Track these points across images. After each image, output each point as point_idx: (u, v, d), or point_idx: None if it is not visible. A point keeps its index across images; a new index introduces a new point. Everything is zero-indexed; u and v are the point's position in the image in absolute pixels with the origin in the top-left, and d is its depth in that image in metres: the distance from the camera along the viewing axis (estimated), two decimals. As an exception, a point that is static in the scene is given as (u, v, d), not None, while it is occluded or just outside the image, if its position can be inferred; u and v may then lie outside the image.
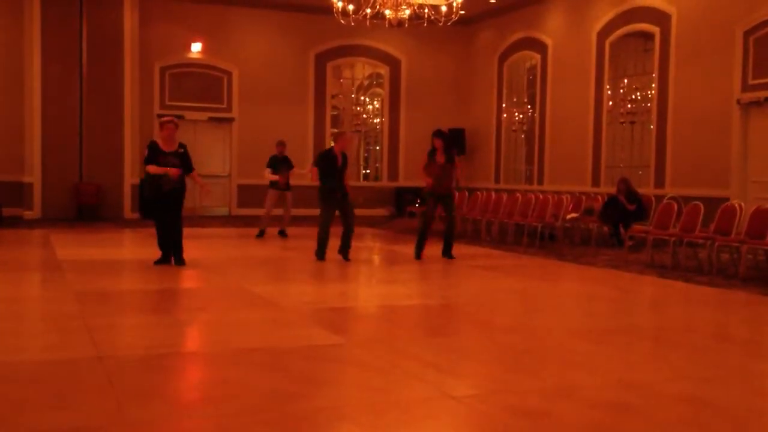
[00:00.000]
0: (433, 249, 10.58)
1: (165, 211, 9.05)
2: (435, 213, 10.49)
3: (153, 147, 9.06)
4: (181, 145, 9.22)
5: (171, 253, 9.21)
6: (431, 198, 10.39)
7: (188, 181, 9.18)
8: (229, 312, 6.80)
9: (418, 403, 4.15)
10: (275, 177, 13.06)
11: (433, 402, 4.19)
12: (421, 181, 10.71)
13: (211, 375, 4.77)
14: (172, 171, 8.84)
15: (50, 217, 15.81)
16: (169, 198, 9.01)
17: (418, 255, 10.40)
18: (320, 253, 10.01)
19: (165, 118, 9.27)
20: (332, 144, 10.54)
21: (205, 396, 4.29)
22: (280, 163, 13.14)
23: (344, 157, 10.17)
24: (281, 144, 13.29)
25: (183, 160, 9.12)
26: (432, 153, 10.43)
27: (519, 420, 3.88)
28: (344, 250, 10.07)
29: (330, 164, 10.03)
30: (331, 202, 10.05)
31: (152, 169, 8.89)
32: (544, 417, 3.91)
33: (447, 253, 10.50)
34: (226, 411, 3.90)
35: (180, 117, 18.12)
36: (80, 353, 5.03)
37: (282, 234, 13.33)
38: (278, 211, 13.39)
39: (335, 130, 17.63)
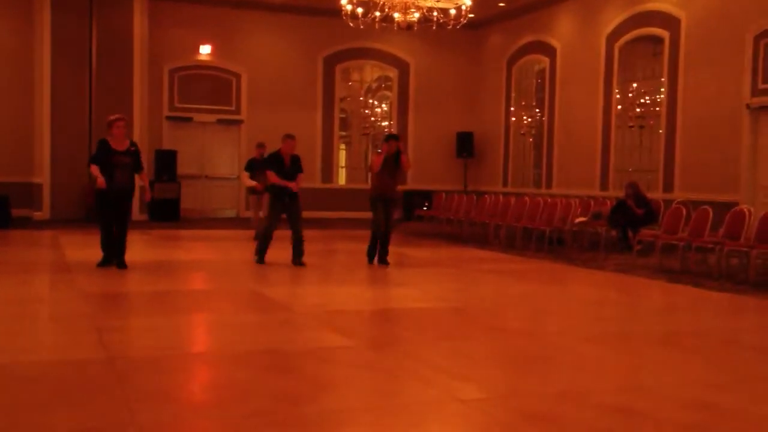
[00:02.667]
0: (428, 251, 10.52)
1: (113, 211, 8.90)
2: (383, 217, 10.05)
3: (103, 145, 8.86)
4: (133, 144, 9.07)
5: (114, 255, 8.98)
6: (379, 202, 10.02)
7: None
8: (238, 314, 6.81)
9: (427, 407, 4.15)
10: (252, 183, 12.61)
11: (442, 405, 4.18)
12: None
13: (220, 377, 4.77)
14: (100, 182, 8.69)
15: (59, 218, 15.87)
16: (118, 198, 8.86)
17: (371, 260, 10.08)
18: (258, 257, 9.74)
19: (114, 116, 8.98)
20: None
21: (215, 398, 4.30)
22: (258, 166, 12.38)
23: (294, 159, 9.87)
24: (261, 146, 12.72)
25: (134, 159, 8.94)
26: (385, 157, 10.02)
27: (528, 424, 3.87)
28: (296, 257, 9.70)
29: (277, 166, 9.77)
30: (276, 206, 9.79)
31: (94, 170, 8.77)
32: (552, 421, 3.90)
33: (382, 259, 10.04)
34: (236, 413, 3.90)
35: (189, 119, 18.30)
36: (90, 354, 5.05)
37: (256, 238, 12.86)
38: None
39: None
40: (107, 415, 3.81)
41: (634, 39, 15.36)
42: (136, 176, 9.12)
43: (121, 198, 8.92)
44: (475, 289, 8.78)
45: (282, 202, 9.76)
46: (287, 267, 9.59)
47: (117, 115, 9.05)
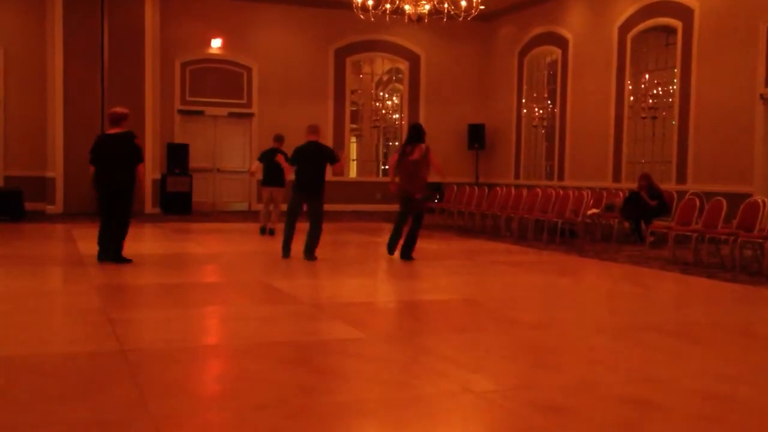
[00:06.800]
0: (446, 243, 10.49)
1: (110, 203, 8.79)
2: (401, 212, 9.68)
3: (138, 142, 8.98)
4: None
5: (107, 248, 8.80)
6: (403, 198, 9.62)
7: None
8: (250, 306, 6.82)
9: (440, 398, 4.14)
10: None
11: (455, 397, 4.18)
12: (438, 177, 10.21)
13: (232, 368, 4.79)
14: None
15: (72, 212, 15.94)
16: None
17: (389, 251, 9.82)
18: (283, 250, 9.59)
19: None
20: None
21: (228, 389, 4.31)
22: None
23: (317, 148, 9.49)
24: (277, 139, 12.38)
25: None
26: (405, 147, 9.59)
27: (540, 415, 3.86)
28: (306, 249, 9.49)
29: (299, 156, 9.53)
30: (294, 196, 9.53)
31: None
32: (565, 413, 3.89)
33: (405, 254, 9.65)
34: (248, 404, 3.91)
35: (201, 112, 18.33)
36: (103, 346, 5.07)
37: (270, 232, 12.45)
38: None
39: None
40: (121, 407, 3.83)
41: (646, 29, 15.26)
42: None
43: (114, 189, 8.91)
44: (487, 281, 8.76)
45: (299, 194, 9.50)
46: (299, 259, 9.59)
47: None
